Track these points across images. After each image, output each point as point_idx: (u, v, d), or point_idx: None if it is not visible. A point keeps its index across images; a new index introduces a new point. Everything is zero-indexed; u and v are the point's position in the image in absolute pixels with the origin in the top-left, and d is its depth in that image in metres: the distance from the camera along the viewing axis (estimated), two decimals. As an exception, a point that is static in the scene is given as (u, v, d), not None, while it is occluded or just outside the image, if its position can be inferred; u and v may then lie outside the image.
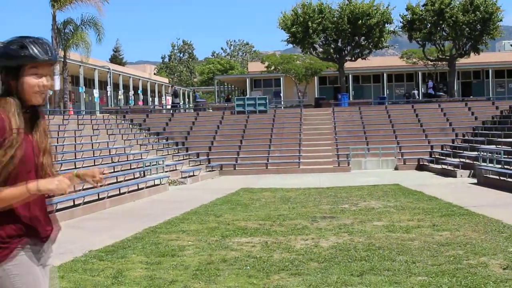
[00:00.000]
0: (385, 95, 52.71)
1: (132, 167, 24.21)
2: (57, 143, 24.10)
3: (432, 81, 48.81)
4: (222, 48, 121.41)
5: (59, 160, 21.01)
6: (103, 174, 3.74)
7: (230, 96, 65.69)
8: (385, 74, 59.45)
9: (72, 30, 37.42)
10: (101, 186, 3.67)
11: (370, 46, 47.17)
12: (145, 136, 34.18)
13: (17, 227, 3.38)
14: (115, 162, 23.98)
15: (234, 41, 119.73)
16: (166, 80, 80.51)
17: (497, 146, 26.89)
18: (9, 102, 3.34)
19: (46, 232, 3.61)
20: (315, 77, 57.34)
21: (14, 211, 3.37)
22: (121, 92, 53.66)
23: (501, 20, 44.99)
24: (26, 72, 3.36)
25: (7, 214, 3.34)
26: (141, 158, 26.64)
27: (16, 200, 3.29)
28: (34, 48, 3.35)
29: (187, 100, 76.99)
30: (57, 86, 36.82)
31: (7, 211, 3.33)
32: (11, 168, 3.29)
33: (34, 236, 3.46)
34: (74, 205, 16.38)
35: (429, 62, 51.46)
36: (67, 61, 37.89)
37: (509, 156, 23.80)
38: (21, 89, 3.37)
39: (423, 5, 45.18)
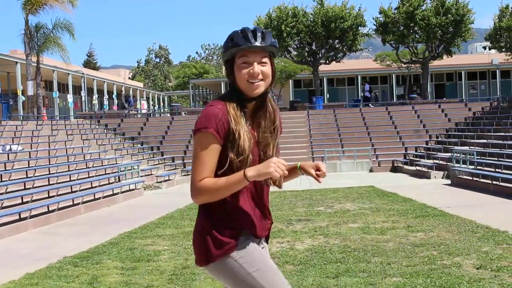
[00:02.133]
0: (360, 98, 53.00)
1: (107, 172, 24.07)
2: (31, 148, 23.90)
3: (369, 85, 48.73)
4: (197, 53, 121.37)
5: (32, 166, 20.84)
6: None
7: (206, 100, 65.56)
8: (359, 77, 59.76)
9: (45, 34, 37.12)
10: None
11: (344, 49, 47.38)
12: (120, 141, 34.01)
13: (236, 223, 3.35)
14: (90, 168, 23.83)
15: (209, 45, 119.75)
16: (141, 84, 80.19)
17: (470, 147, 27.17)
18: (228, 97, 3.35)
19: (265, 226, 3.56)
20: (290, 80, 57.52)
21: (234, 205, 3.34)
22: (95, 97, 53.34)
23: (472, 23, 45.46)
24: (236, 62, 3.34)
25: (229, 208, 3.33)
26: (116, 163, 26.50)
27: (233, 188, 3.23)
28: (239, 37, 3.31)
29: (161, 104, 76.72)
30: (30, 91, 36.52)
31: (231, 205, 3.32)
32: (235, 162, 3.25)
33: (252, 230, 3.41)
34: (49, 211, 16.25)
35: (403, 65, 51.85)
36: (40, 66, 37.58)
37: (482, 157, 24.07)
38: (237, 80, 3.35)
39: (395, 8, 45.51)
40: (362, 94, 48.97)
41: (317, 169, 3.50)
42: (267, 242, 3.69)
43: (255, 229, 3.40)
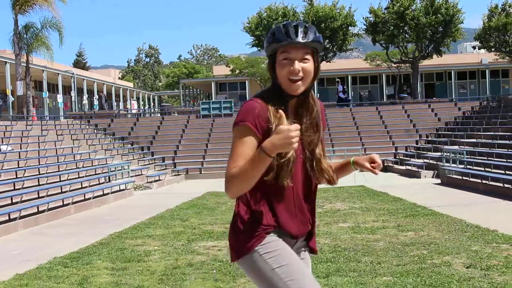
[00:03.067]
0: (350, 97, 53.04)
1: (97, 173, 24.01)
2: (20, 149, 23.82)
3: (342, 85, 48.78)
4: (189, 52, 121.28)
5: (22, 167, 20.77)
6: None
7: (196, 100, 65.57)
8: (349, 77, 59.81)
9: (34, 34, 36.99)
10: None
11: (334, 49, 47.47)
12: (110, 141, 33.92)
13: (268, 218, 3.27)
14: (80, 168, 23.77)
15: (201, 45, 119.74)
16: (131, 84, 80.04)
17: (460, 146, 27.26)
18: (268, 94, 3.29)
19: (303, 227, 3.44)
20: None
21: (267, 202, 3.27)
22: (85, 97, 53.19)
23: (462, 22, 45.64)
24: (277, 58, 3.26)
25: (259, 203, 3.27)
26: (106, 163, 26.44)
27: (257, 167, 3.05)
28: (280, 32, 3.23)
29: (152, 104, 76.62)
30: (20, 92, 36.39)
31: (261, 201, 3.26)
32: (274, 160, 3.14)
33: (286, 228, 3.32)
34: (39, 212, 16.19)
35: (393, 64, 51.99)
36: (30, 66, 37.45)
37: (472, 156, 24.16)
38: (278, 77, 3.28)
39: (385, 8, 45.62)
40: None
41: (372, 161, 3.46)
42: (311, 252, 3.58)
43: (289, 228, 3.33)
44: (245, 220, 3.29)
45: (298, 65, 3.21)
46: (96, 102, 53.31)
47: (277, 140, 2.96)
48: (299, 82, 3.22)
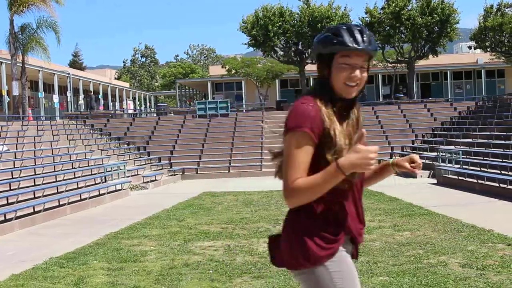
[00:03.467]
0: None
1: (93, 173, 23.98)
2: (16, 149, 23.78)
3: None
4: (185, 52, 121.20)
5: (18, 167, 20.74)
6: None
7: (192, 100, 65.57)
8: (345, 77, 59.74)
9: (30, 35, 36.91)
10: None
11: (331, 49, 47.41)
12: (106, 141, 33.89)
13: (336, 226, 3.19)
14: (76, 168, 23.73)
15: (198, 45, 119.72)
16: (127, 84, 79.96)
17: (456, 146, 27.30)
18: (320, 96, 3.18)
19: (359, 231, 3.35)
20: (276, 80, 57.52)
21: (331, 208, 3.18)
22: (81, 97, 53.10)
23: (457, 22, 45.65)
24: (337, 60, 3.17)
25: (326, 212, 3.17)
26: (102, 164, 26.40)
27: (328, 185, 3.03)
28: (347, 35, 3.14)
29: (148, 104, 76.56)
30: (16, 92, 36.32)
31: (326, 209, 3.17)
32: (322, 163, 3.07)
33: (352, 234, 3.28)
34: (35, 212, 16.18)
35: (389, 65, 52.00)
36: (25, 66, 37.38)
37: (468, 156, 24.20)
38: (332, 79, 3.18)
39: (381, 8, 45.63)
40: None
41: (412, 161, 3.44)
42: (356, 258, 3.49)
43: (355, 233, 3.28)
44: (312, 225, 3.18)
45: (358, 72, 3.17)
46: (82, 101, 53.15)
47: (356, 159, 2.95)
48: (355, 87, 3.19)
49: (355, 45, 3.12)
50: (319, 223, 3.17)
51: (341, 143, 3.10)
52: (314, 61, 36.98)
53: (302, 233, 3.19)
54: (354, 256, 3.43)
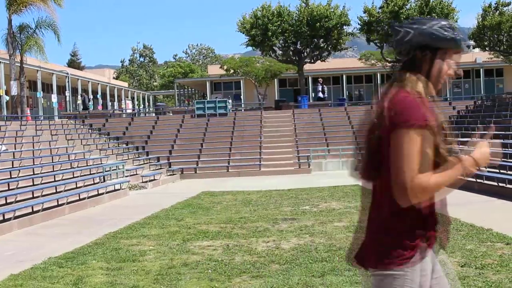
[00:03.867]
0: (345, 97, 53.11)
1: (92, 172, 23.97)
2: (15, 149, 23.77)
3: (322, 85, 48.65)
4: (184, 52, 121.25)
5: (16, 167, 20.72)
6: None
7: (190, 100, 65.60)
8: (344, 76, 59.88)
9: (29, 35, 36.87)
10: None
11: (329, 48, 47.48)
12: (105, 141, 33.87)
13: (423, 226, 3.11)
14: (75, 168, 23.72)
15: (197, 45, 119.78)
16: (125, 84, 79.95)
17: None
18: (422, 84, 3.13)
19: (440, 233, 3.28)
20: (275, 79, 57.55)
21: (429, 207, 3.10)
22: (80, 97, 53.08)
23: (456, 21, 45.69)
24: (442, 55, 3.15)
25: (412, 210, 3.03)
26: (101, 163, 26.39)
27: (449, 183, 3.00)
28: (464, 35, 3.15)
29: (146, 104, 76.57)
30: (14, 91, 36.29)
31: (426, 207, 3.06)
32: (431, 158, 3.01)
33: (432, 235, 3.18)
34: (33, 212, 16.16)
35: (387, 64, 51.99)
36: (24, 66, 37.36)
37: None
38: (432, 72, 3.16)
39: (379, 7, 45.66)
40: (313, 95, 48.10)
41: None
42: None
43: (440, 237, 3.24)
44: (405, 226, 3.09)
45: (453, 70, 3.22)
46: (80, 101, 53.12)
47: (482, 157, 3.02)
48: (442, 84, 3.23)
49: (464, 45, 3.19)
50: (410, 226, 3.09)
51: (447, 135, 3.10)
52: (312, 60, 36.47)
53: (394, 234, 3.10)
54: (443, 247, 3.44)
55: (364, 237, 3.26)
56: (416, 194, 2.94)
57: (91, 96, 53.78)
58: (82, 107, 48.49)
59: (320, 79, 51.09)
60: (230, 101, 50.91)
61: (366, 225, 3.25)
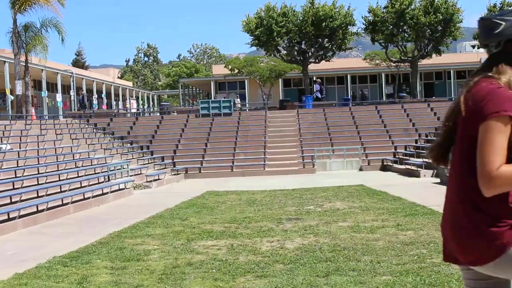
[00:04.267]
0: (349, 97, 53.07)
1: (96, 172, 24.00)
2: (20, 148, 23.81)
3: (319, 85, 48.35)
4: (188, 51, 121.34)
5: (21, 166, 20.76)
6: None
7: (195, 99, 65.62)
8: (349, 76, 59.84)
9: (34, 34, 36.91)
10: None
11: (334, 48, 47.40)
12: (109, 140, 33.91)
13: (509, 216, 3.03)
14: (79, 167, 23.75)
15: (201, 44, 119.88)
16: (130, 83, 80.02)
17: None
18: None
19: None
20: (280, 79, 57.53)
21: None
22: (76, 95, 53.12)
23: (461, 22, 45.60)
24: None
25: (497, 201, 3.00)
26: (106, 163, 26.43)
27: None
28: None
29: (151, 103, 76.62)
30: (19, 91, 36.35)
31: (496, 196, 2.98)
32: None
33: None
34: (38, 211, 16.19)
35: (392, 64, 51.95)
36: (29, 65, 37.42)
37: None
38: None
39: (384, 7, 45.59)
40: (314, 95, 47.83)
41: None
42: None
43: None
44: (493, 217, 3.04)
45: None
46: (95, 102, 53.11)
47: None
48: None
49: None
50: (500, 214, 3.04)
51: None
52: (316, 60, 36.48)
53: (480, 226, 3.05)
54: None
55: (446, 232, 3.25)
56: (496, 185, 2.90)
57: (95, 95, 53.84)
58: (79, 105, 47.88)
59: (318, 79, 51.11)
60: (238, 99, 50.96)
61: (452, 222, 3.23)
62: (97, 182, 22.55)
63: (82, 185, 20.98)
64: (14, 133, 26.84)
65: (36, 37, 36.69)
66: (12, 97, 37.67)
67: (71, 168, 22.88)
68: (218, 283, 8.25)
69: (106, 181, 23.22)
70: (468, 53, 70.32)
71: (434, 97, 49.90)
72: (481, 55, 61.90)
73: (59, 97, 45.61)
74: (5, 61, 37.71)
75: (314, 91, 47.30)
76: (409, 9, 44.33)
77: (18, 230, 14.55)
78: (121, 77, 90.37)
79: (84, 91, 50.05)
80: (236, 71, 55.13)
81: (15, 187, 18.09)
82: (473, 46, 58.97)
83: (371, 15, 46.11)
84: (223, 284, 8.22)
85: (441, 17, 43.97)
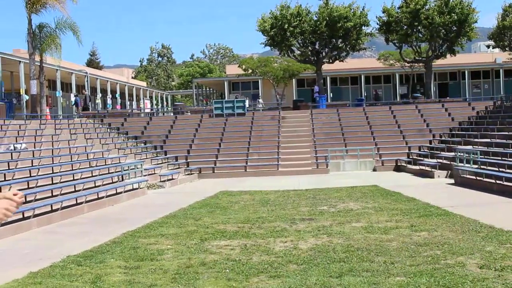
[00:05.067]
0: (363, 97, 52.93)
1: (110, 172, 24.07)
2: (34, 148, 23.92)
3: (318, 86, 48.08)
4: (201, 52, 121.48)
5: (36, 165, 20.86)
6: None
7: (209, 99, 65.70)
8: (362, 76, 59.72)
9: (48, 34, 37.07)
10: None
11: (348, 49, 47.29)
12: (123, 140, 34.01)
13: None
14: (93, 167, 23.83)
15: (214, 44, 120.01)
16: (144, 83, 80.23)
17: (474, 146, 27.11)
18: None
19: None
20: (293, 79, 57.51)
21: None
22: (98, 96, 53.38)
23: (476, 22, 45.34)
24: None
25: None
26: (119, 162, 26.50)
27: None
28: None
29: (165, 103, 76.79)
30: (34, 91, 36.53)
31: None
32: None
33: None
34: (52, 210, 16.27)
35: (406, 64, 51.78)
36: (43, 65, 37.59)
37: (486, 156, 24.01)
38: None
39: (398, 7, 45.43)
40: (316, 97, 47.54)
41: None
42: None
43: None
44: None
45: None
46: (109, 102, 53.22)
47: None
48: None
49: None
50: None
51: None
52: (330, 61, 36.65)
53: None
54: None
55: None
56: None
57: (109, 95, 53.95)
58: (76, 106, 45.22)
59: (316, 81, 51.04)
60: (260, 100, 51.15)
61: None
62: (111, 181, 22.62)
63: (96, 184, 21.05)
64: (29, 133, 26.98)
65: (50, 37, 36.84)
66: (27, 97, 37.87)
67: (85, 168, 22.97)
68: (232, 283, 8.26)
69: (120, 181, 23.29)
70: (483, 53, 70.01)
71: (448, 98, 49.68)
72: (496, 55, 61.64)
73: (73, 97, 45.78)
74: (20, 61, 37.92)
75: (313, 92, 47.09)
76: (424, 9, 44.13)
77: (33, 229, 14.62)
78: (135, 77, 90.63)
79: (88, 92, 49.38)
80: (250, 71, 55.12)
81: (29, 186, 18.18)
82: (488, 46, 58.66)
83: (385, 15, 45.97)
84: (236, 284, 8.22)
85: (455, 17, 43.75)
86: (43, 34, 37.13)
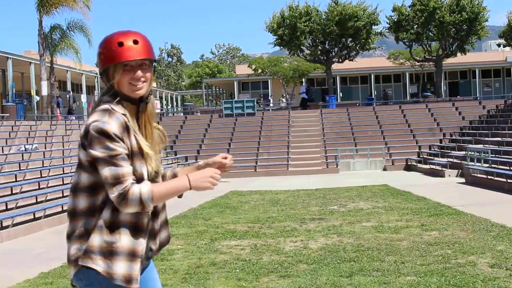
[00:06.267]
0: (373, 96, 52.86)
1: (120, 172, 24.06)
2: (45, 148, 24.01)
3: (305, 86, 47.71)
4: (211, 52, 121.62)
5: (46, 166, 20.94)
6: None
7: (218, 99, 65.72)
8: (372, 75, 59.60)
9: (59, 36, 37.20)
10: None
11: (357, 48, 47.27)
12: (134, 141, 34.00)
13: None
14: (104, 167, 23.84)
15: (224, 44, 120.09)
16: (153, 84, 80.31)
17: (485, 145, 27.02)
18: None
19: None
20: (303, 79, 57.53)
21: None
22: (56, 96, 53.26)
23: (487, 20, 45.23)
24: None
25: None
26: (130, 163, 26.50)
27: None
28: None
29: (175, 104, 76.91)
30: (44, 92, 36.67)
31: None
32: None
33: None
34: (63, 211, 16.30)
35: (416, 63, 51.66)
36: (54, 66, 37.74)
37: (497, 155, 23.92)
38: None
39: (409, 6, 45.33)
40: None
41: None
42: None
43: None
44: None
45: None
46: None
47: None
48: None
49: None
50: None
51: None
52: (340, 60, 36.69)
53: None
54: None
55: None
56: None
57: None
58: (58, 107, 39.93)
59: (304, 80, 50.87)
60: (284, 100, 51.12)
61: None
62: (122, 182, 22.61)
63: (107, 185, 21.05)
64: (40, 134, 27.08)
65: (65, 40, 36.91)
66: (38, 98, 38.02)
67: (95, 168, 22.97)
68: (242, 283, 8.26)
69: (130, 181, 23.27)
70: (494, 52, 69.71)
71: (459, 97, 49.56)
72: (507, 53, 61.36)
73: (83, 97, 45.93)
74: (31, 62, 38.08)
75: (301, 92, 46.75)
76: (435, 8, 43.99)
77: (44, 229, 14.68)
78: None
79: (71, 92, 45.13)
80: (260, 71, 55.19)
81: (40, 187, 18.25)
82: (499, 45, 58.41)
83: (396, 14, 45.89)
84: (247, 284, 8.23)
85: (466, 16, 43.63)
86: (54, 35, 37.26)
